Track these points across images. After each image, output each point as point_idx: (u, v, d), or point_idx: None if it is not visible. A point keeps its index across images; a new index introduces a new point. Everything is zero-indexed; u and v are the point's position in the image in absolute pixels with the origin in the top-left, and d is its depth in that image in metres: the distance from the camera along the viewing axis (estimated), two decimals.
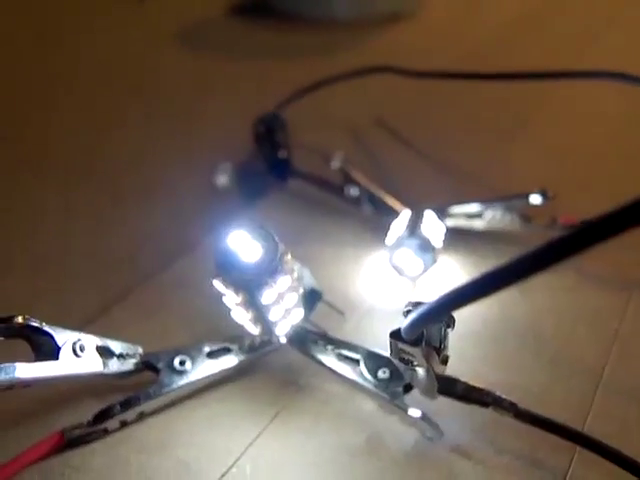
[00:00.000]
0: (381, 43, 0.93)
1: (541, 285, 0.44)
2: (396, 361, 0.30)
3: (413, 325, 0.26)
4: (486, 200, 0.48)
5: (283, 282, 0.33)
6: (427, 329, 0.28)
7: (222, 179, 0.56)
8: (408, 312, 0.27)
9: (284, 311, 0.34)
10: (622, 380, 0.38)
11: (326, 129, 0.66)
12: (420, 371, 0.31)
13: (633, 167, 0.56)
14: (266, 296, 0.32)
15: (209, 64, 0.86)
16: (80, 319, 0.42)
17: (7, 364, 0.28)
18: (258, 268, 0.31)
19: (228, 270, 0.32)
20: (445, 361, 0.31)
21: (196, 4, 1.09)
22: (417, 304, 0.26)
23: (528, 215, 0.47)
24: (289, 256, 0.33)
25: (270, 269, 0.32)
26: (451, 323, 0.29)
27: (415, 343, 0.27)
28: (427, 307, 0.24)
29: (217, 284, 0.33)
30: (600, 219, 0.17)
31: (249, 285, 0.32)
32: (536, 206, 0.46)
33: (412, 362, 0.29)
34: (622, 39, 0.87)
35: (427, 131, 0.66)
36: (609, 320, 0.42)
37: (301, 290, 0.36)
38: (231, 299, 0.34)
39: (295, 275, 0.34)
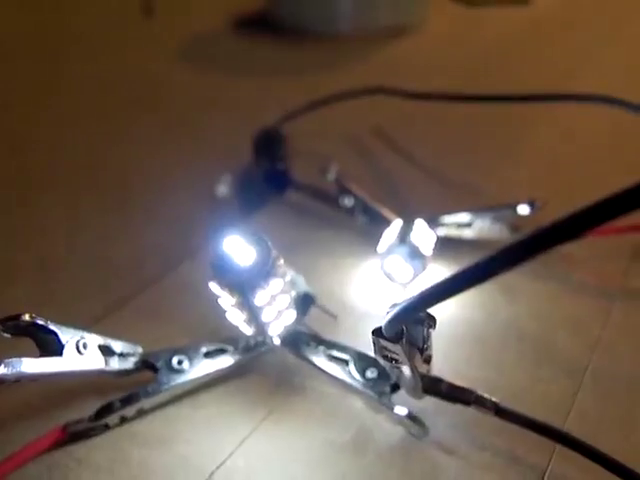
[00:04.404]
0: (384, 58, 0.94)
1: (525, 291, 0.46)
2: (380, 359, 0.31)
3: (392, 321, 0.27)
4: (476, 210, 0.49)
5: (275, 285, 0.35)
6: (408, 329, 0.30)
7: (222, 189, 0.58)
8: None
9: (276, 312, 0.36)
10: (603, 382, 0.39)
11: (324, 141, 0.68)
12: (405, 370, 0.32)
13: (618, 181, 0.57)
14: (259, 297, 0.34)
15: (212, 79, 0.88)
16: (85, 322, 0.43)
17: (14, 359, 0.30)
18: (251, 271, 0.33)
19: (223, 273, 0.34)
20: (428, 360, 0.32)
21: (199, 20, 1.12)
22: (397, 305, 0.28)
23: (516, 225, 0.49)
24: (282, 261, 0.35)
25: (263, 272, 0.34)
26: (432, 323, 0.30)
27: (395, 340, 0.29)
28: (404, 303, 0.26)
29: (213, 286, 0.35)
30: (558, 222, 0.19)
31: (243, 287, 0.34)
32: (524, 216, 0.47)
33: (395, 360, 0.31)
34: (614, 61, 0.90)
35: (423, 145, 0.68)
36: (591, 326, 0.43)
37: (293, 293, 0.38)
38: (226, 301, 0.35)
39: (287, 278, 0.36)
